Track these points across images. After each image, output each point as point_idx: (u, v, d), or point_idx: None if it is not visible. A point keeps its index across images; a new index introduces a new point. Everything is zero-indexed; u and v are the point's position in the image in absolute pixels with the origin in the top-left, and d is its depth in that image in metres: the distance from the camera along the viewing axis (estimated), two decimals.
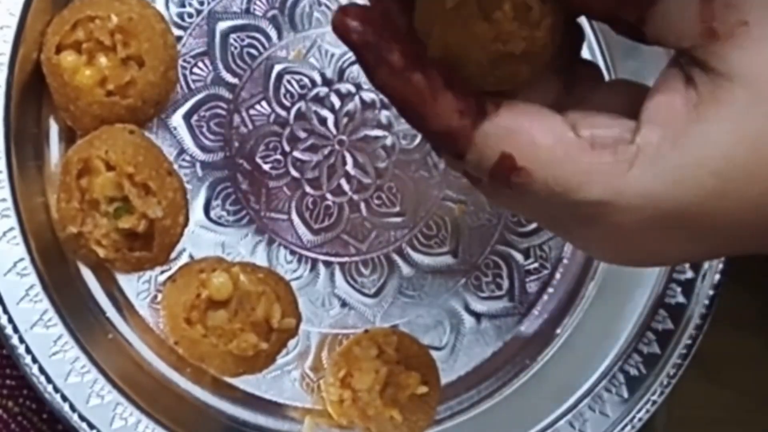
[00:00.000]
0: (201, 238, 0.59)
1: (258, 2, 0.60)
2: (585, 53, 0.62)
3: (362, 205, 0.60)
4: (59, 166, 0.57)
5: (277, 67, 0.60)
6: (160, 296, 0.58)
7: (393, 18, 0.37)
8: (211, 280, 0.55)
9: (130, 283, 0.58)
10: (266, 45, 0.60)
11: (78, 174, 0.54)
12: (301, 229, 0.60)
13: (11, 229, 0.54)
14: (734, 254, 0.38)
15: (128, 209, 0.54)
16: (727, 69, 0.34)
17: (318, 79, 0.60)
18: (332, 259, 0.60)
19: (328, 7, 0.60)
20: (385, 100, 0.59)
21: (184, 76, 0.59)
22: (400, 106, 0.37)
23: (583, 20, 0.39)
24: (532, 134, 0.36)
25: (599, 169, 0.35)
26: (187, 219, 0.57)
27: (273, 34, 0.60)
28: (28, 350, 0.53)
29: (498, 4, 0.36)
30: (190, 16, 0.59)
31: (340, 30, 0.36)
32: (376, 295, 0.60)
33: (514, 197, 0.37)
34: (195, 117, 0.59)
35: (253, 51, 0.60)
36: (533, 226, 0.62)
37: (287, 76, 0.60)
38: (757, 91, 0.34)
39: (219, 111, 0.59)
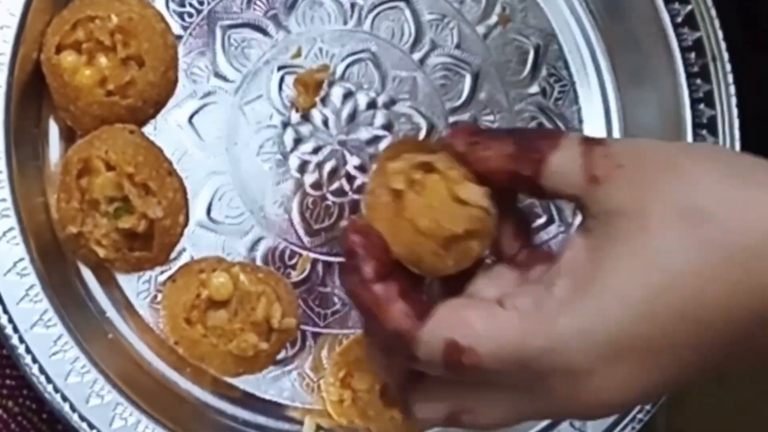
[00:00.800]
0: (201, 238, 0.59)
1: (258, 2, 0.60)
2: (585, 52, 0.62)
3: (362, 205, 0.60)
4: (59, 166, 0.57)
5: (278, 67, 0.60)
6: (160, 296, 0.58)
7: (381, 237, 0.42)
8: (211, 280, 0.55)
9: (130, 283, 0.58)
10: (266, 44, 0.60)
11: (78, 174, 0.54)
12: (302, 229, 0.60)
13: (11, 229, 0.54)
14: (693, 381, 0.41)
15: (128, 209, 0.54)
16: (612, 207, 0.39)
17: None
18: (332, 259, 0.60)
19: (328, 6, 0.60)
20: (386, 99, 0.60)
21: (185, 76, 0.59)
22: (358, 307, 0.43)
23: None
24: (466, 317, 0.40)
25: (534, 326, 0.39)
26: (187, 219, 0.57)
27: (273, 33, 0.60)
28: (28, 350, 0.53)
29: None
30: (190, 15, 0.59)
31: (344, 236, 0.43)
32: None
33: (477, 391, 0.42)
34: (195, 117, 0.59)
35: (253, 51, 0.60)
36: (533, 225, 0.62)
37: (287, 76, 0.60)
38: (642, 220, 0.39)
39: (219, 111, 0.59)
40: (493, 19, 0.62)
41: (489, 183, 0.42)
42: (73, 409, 0.54)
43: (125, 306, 0.58)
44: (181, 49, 0.59)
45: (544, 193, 0.42)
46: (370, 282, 0.42)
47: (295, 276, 0.59)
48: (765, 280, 0.38)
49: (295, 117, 0.60)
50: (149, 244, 0.55)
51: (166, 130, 0.59)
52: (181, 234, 0.57)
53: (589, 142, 0.41)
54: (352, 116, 0.60)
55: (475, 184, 0.41)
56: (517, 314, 0.40)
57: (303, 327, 0.59)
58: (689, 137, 0.59)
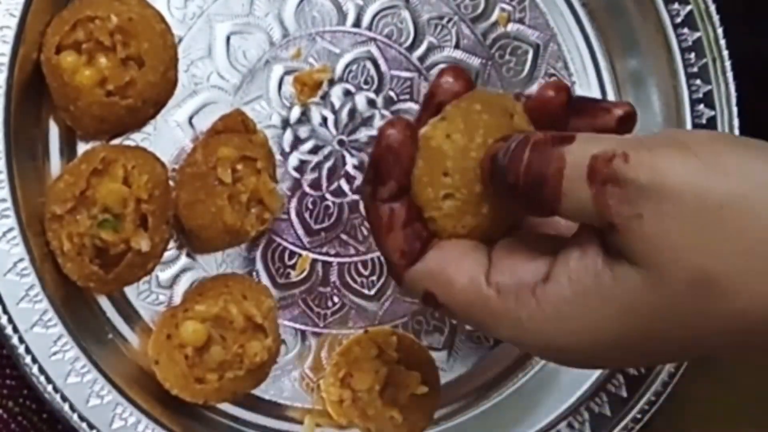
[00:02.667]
0: None
1: (258, 2, 0.60)
2: (585, 52, 0.62)
3: (362, 206, 0.60)
4: (62, 163, 0.57)
5: (277, 67, 0.60)
6: (160, 297, 0.58)
7: (413, 154, 0.42)
8: (182, 334, 0.54)
9: None
10: (266, 45, 0.60)
11: (94, 169, 0.54)
12: (301, 229, 0.60)
13: (11, 229, 0.54)
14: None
15: (115, 227, 0.53)
16: (626, 253, 0.37)
17: None
18: (332, 259, 0.60)
19: (328, 6, 0.60)
20: (385, 99, 0.60)
21: (184, 76, 0.59)
22: (365, 215, 0.43)
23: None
24: (450, 277, 0.41)
25: (504, 315, 0.40)
26: (152, 268, 0.57)
27: (273, 33, 0.60)
28: (27, 350, 0.53)
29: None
30: (191, 16, 0.59)
31: (379, 138, 0.41)
32: (376, 295, 0.60)
33: None
34: (195, 117, 0.59)
35: (252, 51, 0.60)
36: None
37: (287, 77, 0.60)
38: (650, 274, 0.37)
39: (219, 111, 0.59)
40: (493, 19, 0.62)
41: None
42: (72, 409, 0.54)
43: (125, 306, 0.58)
44: (181, 49, 0.59)
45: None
46: (382, 199, 0.42)
47: (295, 276, 0.60)
48: None
49: (294, 117, 0.60)
50: (110, 269, 0.54)
51: (166, 130, 0.59)
52: (139, 279, 0.57)
53: (600, 180, 0.37)
54: (352, 116, 0.60)
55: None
56: (495, 297, 0.40)
57: (303, 327, 0.59)
58: None
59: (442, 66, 0.60)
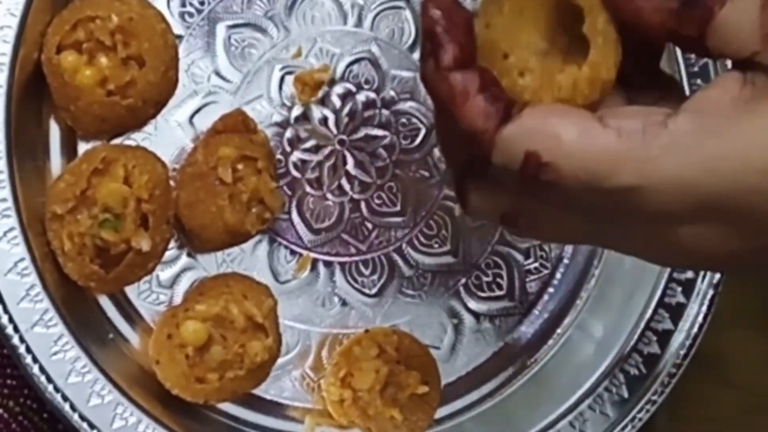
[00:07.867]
0: None
1: (258, 2, 0.60)
2: None
3: (362, 205, 0.60)
4: (62, 163, 0.57)
5: (278, 67, 0.60)
6: (161, 297, 0.58)
7: (467, 16, 0.38)
8: (182, 334, 0.54)
9: None
10: (267, 44, 0.60)
11: (95, 169, 0.54)
12: (302, 229, 0.60)
13: (11, 229, 0.54)
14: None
15: (116, 226, 0.53)
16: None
17: None
18: (332, 258, 0.60)
19: (328, 6, 0.60)
20: (386, 99, 0.60)
21: (185, 76, 0.59)
22: (436, 102, 0.39)
23: None
24: (556, 129, 0.36)
25: (627, 155, 0.35)
26: (154, 268, 0.57)
27: (273, 33, 0.60)
28: (28, 350, 0.53)
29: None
30: (191, 15, 0.59)
31: (424, 9, 0.38)
32: (376, 294, 0.60)
33: (547, 204, 0.38)
34: (196, 117, 0.59)
35: (253, 51, 0.60)
36: None
37: (288, 76, 0.60)
38: None
39: (219, 111, 0.59)
40: None
41: (635, 29, 0.37)
42: (73, 408, 0.54)
43: (126, 306, 0.58)
44: (181, 49, 0.59)
45: (709, 53, 0.37)
46: (447, 70, 0.37)
47: (296, 276, 0.60)
48: None
49: (295, 117, 0.60)
50: (110, 268, 0.54)
51: (167, 130, 0.59)
52: (140, 278, 0.57)
53: None
54: (352, 116, 0.60)
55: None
56: (616, 137, 0.35)
57: (303, 327, 0.60)
58: None
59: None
